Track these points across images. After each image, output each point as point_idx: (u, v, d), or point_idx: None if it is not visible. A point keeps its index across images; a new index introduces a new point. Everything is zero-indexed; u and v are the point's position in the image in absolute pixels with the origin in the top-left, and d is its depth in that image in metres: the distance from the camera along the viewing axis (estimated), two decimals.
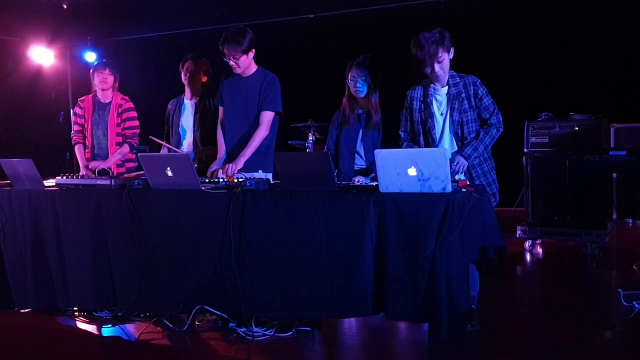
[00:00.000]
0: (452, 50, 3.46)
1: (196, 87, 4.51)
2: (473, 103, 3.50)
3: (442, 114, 3.55)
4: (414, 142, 3.63)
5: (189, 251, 3.33)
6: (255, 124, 3.94)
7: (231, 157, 3.94)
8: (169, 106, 4.66)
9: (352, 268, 2.96)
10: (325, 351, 3.28)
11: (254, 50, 3.92)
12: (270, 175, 3.93)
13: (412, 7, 7.41)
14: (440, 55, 3.39)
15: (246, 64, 3.92)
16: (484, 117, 3.52)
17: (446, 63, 3.45)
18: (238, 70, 3.94)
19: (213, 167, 3.99)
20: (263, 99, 3.93)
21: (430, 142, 3.55)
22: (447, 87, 3.52)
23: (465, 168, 3.46)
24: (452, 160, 3.44)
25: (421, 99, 3.58)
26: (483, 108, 3.51)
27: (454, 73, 3.54)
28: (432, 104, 3.55)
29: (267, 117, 3.94)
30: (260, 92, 3.94)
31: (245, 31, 3.87)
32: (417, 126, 3.61)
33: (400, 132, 3.69)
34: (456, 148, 3.53)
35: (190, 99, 4.53)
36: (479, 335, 3.36)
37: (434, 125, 3.55)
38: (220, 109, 4.12)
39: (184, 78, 4.51)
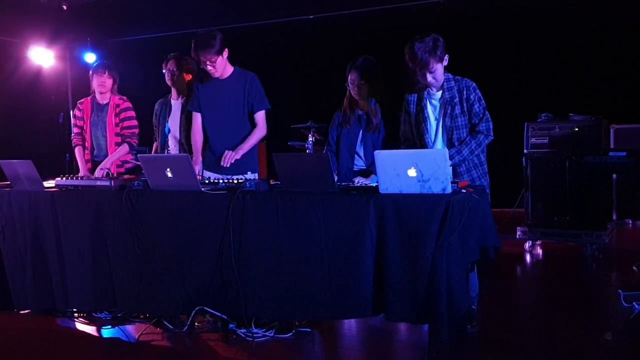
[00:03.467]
0: (446, 58, 3.41)
1: (181, 87, 4.48)
2: (465, 108, 3.45)
3: (436, 119, 3.53)
4: (412, 145, 3.62)
5: (189, 252, 3.33)
6: (242, 125, 3.98)
7: (219, 159, 3.95)
8: (156, 107, 4.62)
9: (352, 269, 2.96)
10: (325, 352, 3.28)
11: (227, 50, 3.92)
12: (256, 175, 3.98)
13: (412, 8, 7.41)
14: (432, 66, 3.36)
15: (222, 65, 3.92)
16: (473, 123, 3.46)
17: (439, 72, 3.42)
18: (216, 74, 3.94)
19: (197, 167, 3.95)
20: (252, 99, 3.96)
21: (424, 146, 3.53)
22: (441, 91, 3.50)
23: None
24: None
25: (416, 102, 3.58)
26: (473, 114, 3.45)
27: (451, 76, 3.50)
28: (426, 107, 3.54)
29: (262, 116, 4.00)
30: (245, 93, 3.96)
31: (214, 33, 3.87)
32: (414, 130, 3.60)
33: (400, 135, 3.69)
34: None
35: (177, 100, 4.50)
36: (479, 336, 3.36)
37: (427, 130, 3.53)
38: (197, 114, 4.08)
39: (167, 79, 4.47)
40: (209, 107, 4.05)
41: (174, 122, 4.46)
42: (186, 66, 4.46)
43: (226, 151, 3.89)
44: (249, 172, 3.89)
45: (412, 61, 3.38)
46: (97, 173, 4.44)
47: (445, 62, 3.43)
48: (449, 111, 3.45)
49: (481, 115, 3.44)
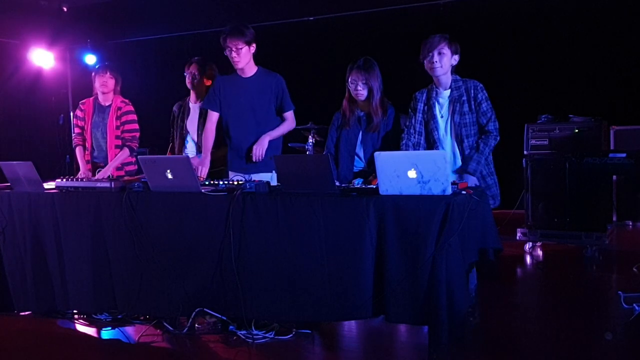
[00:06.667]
0: (457, 57, 3.60)
1: (200, 91, 4.49)
2: (472, 106, 3.60)
3: (442, 117, 3.66)
4: (415, 141, 3.72)
5: (189, 253, 3.33)
6: (264, 123, 3.97)
7: (246, 157, 3.98)
8: (174, 109, 4.64)
9: (352, 270, 2.96)
10: (325, 354, 3.27)
11: (255, 46, 3.93)
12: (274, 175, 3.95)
13: (412, 9, 7.41)
14: (442, 46, 3.53)
15: (247, 58, 3.91)
16: (481, 123, 3.62)
17: (447, 60, 3.56)
18: (239, 65, 3.92)
19: (204, 169, 3.95)
20: (280, 100, 3.99)
21: (432, 142, 3.67)
22: (449, 90, 3.64)
23: (477, 183, 3.54)
24: (466, 179, 3.53)
25: (425, 101, 3.71)
26: (481, 113, 3.60)
27: (458, 77, 3.66)
28: (434, 106, 3.67)
29: (291, 114, 4.05)
30: (273, 93, 3.97)
31: (247, 25, 3.93)
32: (419, 126, 3.72)
33: (404, 128, 3.78)
34: (457, 150, 3.62)
35: (195, 103, 4.52)
36: (479, 338, 3.36)
37: (436, 127, 3.66)
38: (213, 113, 4.04)
39: (188, 81, 4.49)
40: (233, 106, 4.02)
41: (192, 125, 4.47)
42: (208, 71, 4.48)
43: (254, 147, 3.92)
44: (273, 171, 3.85)
45: (425, 45, 3.57)
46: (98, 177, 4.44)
47: (454, 61, 3.60)
48: (457, 108, 3.59)
49: (489, 115, 3.60)
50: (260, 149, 3.90)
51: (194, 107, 4.51)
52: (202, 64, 4.47)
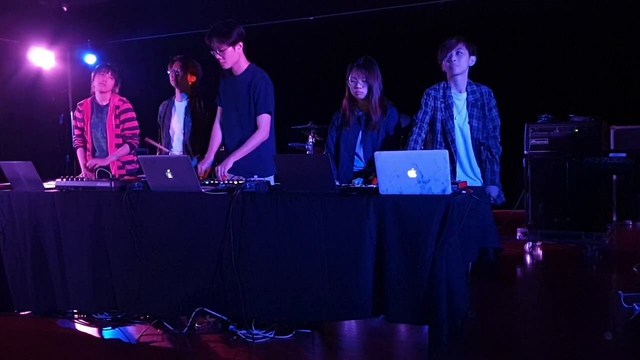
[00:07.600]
0: (474, 57, 3.68)
1: (185, 89, 4.47)
2: (485, 112, 3.70)
3: (457, 117, 3.73)
4: (426, 138, 3.80)
5: (189, 253, 3.33)
6: (247, 125, 3.88)
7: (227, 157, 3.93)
8: (160, 108, 4.61)
9: (352, 270, 2.96)
10: (325, 353, 3.27)
11: (242, 44, 3.82)
12: (270, 179, 3.88)
13: (412, 9, 7.41)
14: (460, 46, 3.62)
15: (234, 58, 3.82)
16: (488, 128, 3.72)
17: (465, 60, 3.65)
18: (225, 65, 3.85)
19: (203, 166, 3.97)
20: (255, 101, 3.84)
21: (450, 142, 3.72)
22: (465, 93, 3.71)
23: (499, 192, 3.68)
24: (489, 192, 3.64)
25: (442, 99, 3.75)
26: (490, 119, 3.71)
27: (471, 81, 3.74)
28: (452, 106, 3.72)
29: (264, 120, 3.85)
30: (249, 94, 3.85)
31: (233, 24, 3.80)
32: (437, 125, 3.76)
33: (415, 121, 3.80)
34: (471, 153, 3.71)
35: (181, 101, 4.50)
36: (479, 338, 3.36)
37: (452, 128, 3.71)
38: (219, 108, 4.06)
39: (171, 80, 4.46)
40: (225, 104, 4.00)
41: (177, 124, 4.46)
42: (191, 68, 4.45)
43: (216, 168, 3.82)
44: (255, 176, 3.60)
45: (443, 46, 3.66)
46: (91, 163, 4.43)
47: (471, 62, 3.69)
48: (475, 113, 3.69)
49: (497, 122, 3.73)
50: (222, 169, 3.77)
51: (179, 105, 4.49)
52: (184, 61, 4.44)
